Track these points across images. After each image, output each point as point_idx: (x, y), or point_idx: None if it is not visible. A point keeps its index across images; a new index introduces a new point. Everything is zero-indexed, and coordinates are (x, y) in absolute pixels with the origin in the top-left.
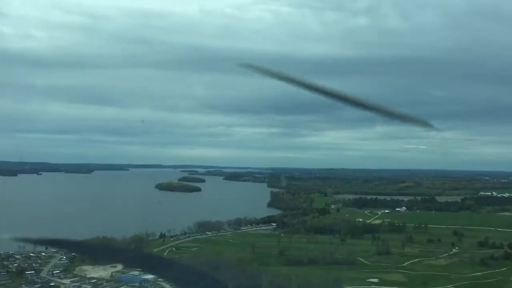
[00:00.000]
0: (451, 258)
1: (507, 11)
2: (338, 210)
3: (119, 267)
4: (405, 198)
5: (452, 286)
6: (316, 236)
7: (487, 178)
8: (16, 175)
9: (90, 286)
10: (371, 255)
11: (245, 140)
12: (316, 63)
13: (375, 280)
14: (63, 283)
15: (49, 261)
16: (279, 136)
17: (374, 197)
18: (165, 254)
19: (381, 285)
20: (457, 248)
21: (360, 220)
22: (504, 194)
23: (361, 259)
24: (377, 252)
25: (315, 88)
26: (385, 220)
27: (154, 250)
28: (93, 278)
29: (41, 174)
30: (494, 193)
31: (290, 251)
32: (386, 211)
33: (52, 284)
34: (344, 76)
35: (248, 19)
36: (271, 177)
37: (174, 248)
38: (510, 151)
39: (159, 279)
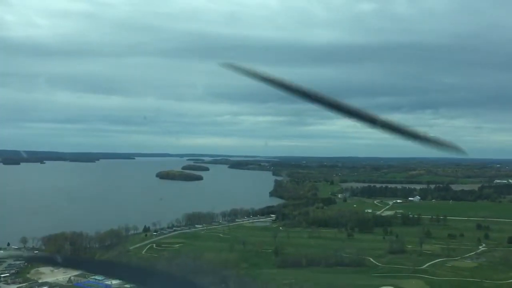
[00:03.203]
0: (480, 258)
1: None
2: (345, 199)
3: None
4: (417, 187)
5: None
6: (319, 230)
7: (499, 165)
8: (19, 164)
9: None
10: (383, 254)
11: (252, 129)
12: (322, 50)
13: None
14: None
15: (4, 262)
16: (286, 125)
17: (383, 185)
18: (143, 252)
19: None
20: (484, 245)
21: (369, 211)
22: None
23: (371, 259)
24: (390, 250)
25: (298, 91)
26: (397, 211)
27: (131, 248)
28: (46, 283)
29: (44, 163)
30: (510, 180)
31: (287, 249)
32: (398, 200)
33: None
34: (352, 63)
35: (253, 5)
36: (277, 165)
37: (154, 245)
38: None
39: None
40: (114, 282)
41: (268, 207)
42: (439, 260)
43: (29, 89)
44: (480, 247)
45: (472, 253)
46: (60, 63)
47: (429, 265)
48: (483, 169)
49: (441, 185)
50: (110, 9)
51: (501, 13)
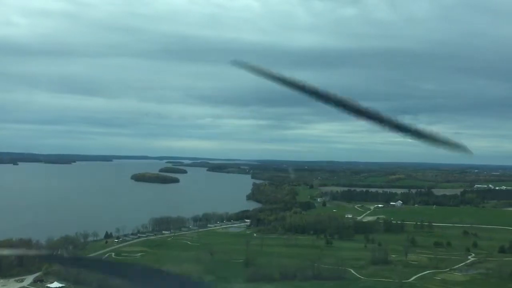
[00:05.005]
0: (470, 270)
1: (496, 4)
2: (324, 203)
3: (26, 282)
4: (399, 191)
5: None
6: (296, 236)
7: (477, 170)
8: None
9: None
10: (365, 264)
11: (233, 132)
12: (303, 54)
13: None
14: None
15: None
16: (268, 128)
17: (364, 189)
18: None
19: None
20: (473, 255)
21: (350, 216)
22: (502, 187)
23: (352, 270)
24: (372, 261)
25: (306, 89)
26: (379, 216)
27: (88, 255)
28: None
29: (17, 164)
30: (490, 185)
31: (260, 259)
32: (379, 205)
33: None
34: (333, 67)
35: (235, 8)
36: (256, 168)
37: (113, 254)
38: (497, 145)
39: None
40: None
41: (244, 211)
42: (427, 272)
43: (5, 88)
44: (470, 257)
45: (462, 264)
46: (39, 63)
47: (416, 278)
48: (462, 174)
49: (422, 190)
50: (90, 9)
51: (480, 21)
